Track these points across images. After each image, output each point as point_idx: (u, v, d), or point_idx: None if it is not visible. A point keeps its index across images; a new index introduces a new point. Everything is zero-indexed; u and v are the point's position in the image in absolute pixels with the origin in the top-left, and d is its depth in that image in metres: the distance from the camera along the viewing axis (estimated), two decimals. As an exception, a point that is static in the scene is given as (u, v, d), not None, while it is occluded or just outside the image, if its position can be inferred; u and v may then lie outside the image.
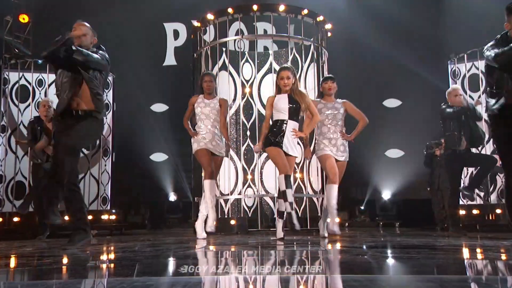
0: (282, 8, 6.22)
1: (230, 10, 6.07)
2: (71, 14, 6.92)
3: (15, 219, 6.26)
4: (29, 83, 6.69)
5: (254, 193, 6.30)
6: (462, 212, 5.90)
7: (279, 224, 3.96)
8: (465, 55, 6.42)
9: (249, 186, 6.38)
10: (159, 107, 8.23)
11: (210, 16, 6.06)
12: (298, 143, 4.33)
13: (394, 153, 8.38)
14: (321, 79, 4.78)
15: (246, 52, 6.76)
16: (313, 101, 4.53)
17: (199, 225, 4.45)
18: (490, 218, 6.01)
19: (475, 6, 6.70)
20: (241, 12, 6.43)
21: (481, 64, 6.30)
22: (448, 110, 4.89)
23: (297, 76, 4.37)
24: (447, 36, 7.22)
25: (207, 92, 4.54)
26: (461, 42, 6.71)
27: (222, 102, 4.64)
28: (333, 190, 4.24)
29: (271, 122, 4.14)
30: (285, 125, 3.95)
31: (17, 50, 6.64)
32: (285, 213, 3.90)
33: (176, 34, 8.17)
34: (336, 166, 4.29)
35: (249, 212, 6.37)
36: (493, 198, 6.04)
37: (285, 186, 3.77)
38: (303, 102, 3.98)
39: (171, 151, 7.88)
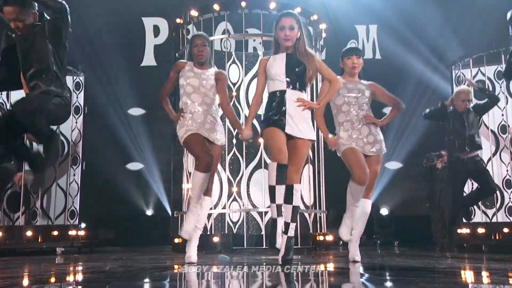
0: (273, 5, 6.30)
1: (216, 6, 6.17)
2: (40, 6, 7.09)
3: None
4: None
5: (240, 208, 6.37)
6: (466, 231, 6.05)
7: (281, 239, 3.05)
8: (471, 59, 6.57)
9: (234, 199, 6.46)
10: (135, 111, 8.26)
11: (194, 13, 6.17)
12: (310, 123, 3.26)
13: (392, 165, 8.40)
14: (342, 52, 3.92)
15: (233, 53, 6.87)
16: None
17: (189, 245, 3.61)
18: (497, 237, 6.17)
19: (481, 8, 6.99)
20: (228, 9, 6.49)
21: (487, 70, 6.56)
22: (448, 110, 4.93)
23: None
24: (451, 39, 7.51)
25: (198, 60, 3.69)
26: (466, 46, 6.93)
27: (221, 76, 3.79)
28: (358, 191, 3.51)
29: (266, 96, 3.29)
30: (283, 97, 3.06)
31: None
32: (270, 220, 3.17)
33: (156, 30, 8.26)
34: (363, 161, 3.52)
35: (234, 228, 6.39)
36: (500, 215, 6.23)
37: (275, 179, 2.95)
38: (310, 63, 3.09)
39: (148, 159, 7.87)
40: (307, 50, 3.10)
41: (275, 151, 2.99)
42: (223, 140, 3.72)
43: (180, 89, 3.68)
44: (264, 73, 3.14)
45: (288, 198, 2.96)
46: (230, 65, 6.98)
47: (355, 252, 3.54)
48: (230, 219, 6.42)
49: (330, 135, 3.54)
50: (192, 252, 3.56)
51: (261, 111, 3.31)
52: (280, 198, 2.95)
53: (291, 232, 2.97)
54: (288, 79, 3.04)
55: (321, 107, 3.22)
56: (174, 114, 3.69)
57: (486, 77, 6.60)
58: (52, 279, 2.57)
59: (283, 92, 3.03)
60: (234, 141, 6.83)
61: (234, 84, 6.95)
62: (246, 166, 6.53)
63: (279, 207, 2.98)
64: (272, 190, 2.96)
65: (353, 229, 3.61)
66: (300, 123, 3.02)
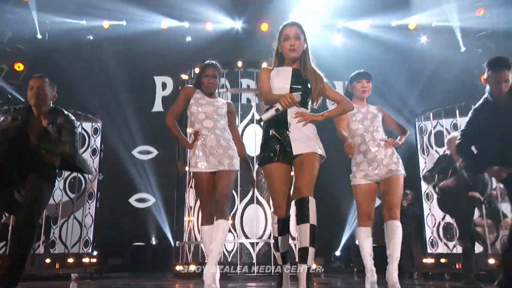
0: (264, 65, 6.73)
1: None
2: (65, 63, 7.47)
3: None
4: (86, 131, 7.13)
5: (234, 238, 6.41)
6: (431, 260, 6.22)
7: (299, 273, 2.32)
8: (431, 113, 6.81)
9: (229, 231, 6.30)
10: (145, 152, 8.31)
11: (197, 70, 6.57)
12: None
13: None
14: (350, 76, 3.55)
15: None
16: None
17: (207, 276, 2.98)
18: (457, 267, 6.33)
19: (443, 70, 7.23)
20: (227, 68, 6.74)
21: (445, 122, 6.78)
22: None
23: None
24: (415, 94, 7.84)
25: (207, 90, 3.30)
26: (428, 101, 7.16)
27: (231, 108, 3.41)
28: (362, 235, 3.18)
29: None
30: (285, 117, 2.49)
31: (10, 96, 6.90)
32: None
33: (164, 85, 8.47)
34: (366, 203, 3.19)
35: (229, 256, 6.43)
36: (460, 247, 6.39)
37: (278, 232, 2.54)
38: (316, 84, 2.58)
39: (154, 195, 7.93)
40: (315, 69, 2.62)
41: (274, 205, 2.57)
42: (237, 165, 3.22)
43: (191, 116, 3.29)
44: (268, 80, 2.59)
45: (302, 216, 2.29)
46: None
47: (393, 280, 2.97)
48: (226, 249, 6.46)
49: (350, 140, 3.04)
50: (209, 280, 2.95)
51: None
52: (284, 247, 2.59)
53: (311, 261, 2.24)
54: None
55: (322, 118, 2.56)
56: (186, 140, 3.37)
57: (444, 128, 6.76)
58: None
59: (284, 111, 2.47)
60: None
61: None
62: (240, 202, 6.62)
63: (283, 255, 2.61)
64: (276, 241, 2.59)
65: (388, 255, 3.12)
66: (304, 138, 2.47)
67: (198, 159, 3.10)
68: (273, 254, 6.82)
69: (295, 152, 2.44)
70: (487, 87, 3.29)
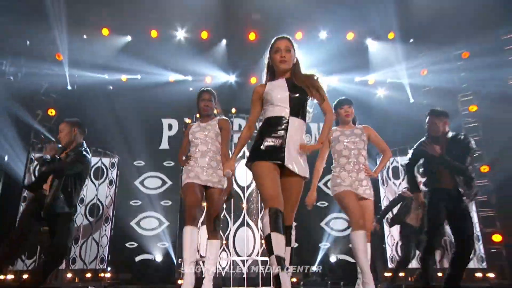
0: (255, 80, 7.37)
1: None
2: (89, 109, 7.76)
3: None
4: (105, 166, 7.61)
5: (227, 256, 6.83)
6: (390, 274, 6.45)
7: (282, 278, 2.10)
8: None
9: (223, 250, 6.89)
10: (153, 182, 8.35)
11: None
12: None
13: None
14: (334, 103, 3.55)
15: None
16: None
17: None
18: (411, 279, 6.61)
19: (396, 117, 7.45)
20: (223, 114, 7.44)
21: (400, 159, 7.37)
22: None
23: None
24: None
25: (203, 113, 3.42)
26: (386, 142, 7.50)
27: (224, 125, 3.39)
28: (360, 239, 3.00)
29: (257, 125, 2.60)
30: (285, 124, 2.38)
31: (43, 136, 7.20)
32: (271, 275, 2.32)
33: (170, 127, 8.66)
34: (358, 206, 3.15)
35: (223, 271, 6.73)
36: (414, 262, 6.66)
37: (270, 227, 2.14)
38: (310, 84, 2.47)
39: (161, 220, 7.97)
40: (305, 74, 2.53)
41: (267, 194, 2.24)
42: (223, 183, 3.27)
43: (191, 145, 3.39)
44: (259, 101, 2.54)
45: (287, 240, 2.25)
46: None
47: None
48: (220, 265, 6.76)
49: (315, 193, 3.15)
50: None
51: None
52: (277, 247, 2.11)
53: (275, 269, 2.09)
54: (291, 105, 2.41)
55: (321, 144, 2.43)
56: (183, 161, 3.39)
57: (399, 164, 7.39)
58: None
59: (285, 119, 2.38)
60: (224, 205, 6.91)
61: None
62: (233, 224, 7.06)
63: (278, 259, 2.11)
64: (268, 240, 2.15)
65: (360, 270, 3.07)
66: (298, 157, 2.35)
67: (191, 173, 3.20)
68: (260, 270, 6.77)
69: (288, 165, 2.29)
70: (428, 129, 3.96)
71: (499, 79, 6.99)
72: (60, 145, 3.87)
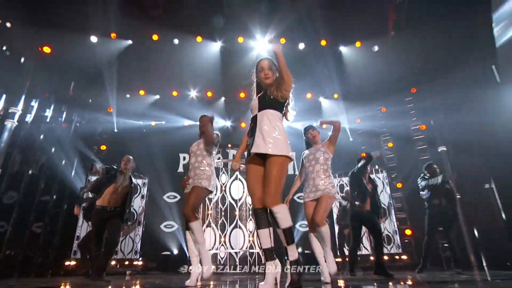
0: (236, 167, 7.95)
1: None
2: (129, 145, 8.47)
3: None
4: (139, 185, 7.98)
5: (225, 249, 7.51)
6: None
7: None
8: (337, 174, 8.11)
9: (222, 245, 7.61)
10: (172, 197, 8.76)
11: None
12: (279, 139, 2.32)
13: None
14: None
15: (223, 168, 8.33)
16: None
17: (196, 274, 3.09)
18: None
19: (340, 150, 7.56)
20: (221, 148, 8.16)
21: (344, 179, 8.14)
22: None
23: None
24: None
25: (200, 132, 3.57)
26: (337, 166, 7.51)
27: (200, 128, 3.54)
28: (311, 239, 3.30)
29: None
30: (254, 119, 2.33)
31: (95, 163, 7.64)
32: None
33: (184, 158, 9.10)
34: (309, 213, 3.26)
35: (222, 260, 7.38)
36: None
37: (256, 226, 2.13)
38: (275, 82, 2.38)
39: (178, 223, 8.37)
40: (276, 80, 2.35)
41: (251, 197, 2.24)
42: (199, 183, 3.30)
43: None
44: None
45: (276, 223, 2.11)
46: (222, 174, 8.09)
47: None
48: (219, 255, 7.45)
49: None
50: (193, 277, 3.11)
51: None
52: (264, 242, 2.08)
53: (293, 255, 2.07)
54: (259, 105, 2.36)
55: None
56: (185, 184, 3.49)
57: (344, 182, 8.19)
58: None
59: (255, 117, 2.34)
60: (223, 213, 7.88)
61: (223, 184, 8.07)
62: (229, 227, 7.75)
63: (266, 252, 2.12)
64: (258, 237, 2.11)
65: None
66: (269, 138, 2.18)
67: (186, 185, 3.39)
68: (248, 259, 7.62)
69: (253, 150, 2.16)
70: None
71: (404, 125, 8.43)
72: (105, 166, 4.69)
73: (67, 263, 7.22)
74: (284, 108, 2.39)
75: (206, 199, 7.05)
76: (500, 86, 6.70)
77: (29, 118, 7.45)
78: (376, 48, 8.14)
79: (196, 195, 3.19)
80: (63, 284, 3.82)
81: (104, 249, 4.14)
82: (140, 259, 7.71)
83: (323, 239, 3.19)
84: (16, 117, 7.31)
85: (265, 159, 2.23)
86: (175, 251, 8.24)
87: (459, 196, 7.55)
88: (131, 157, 4.80)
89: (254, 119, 2.33)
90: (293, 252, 2.08)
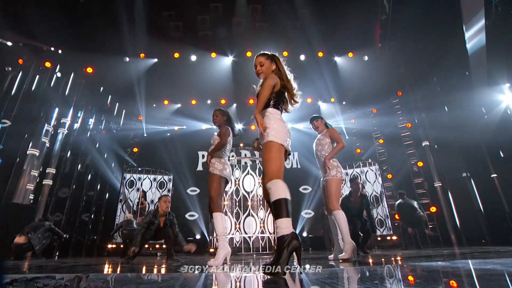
0: (255, 146, 8.87)
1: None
2: (156, 147, 9.35)
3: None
4: (165, 181, 8.78)
5: (240, 234, 7.88)
6: None
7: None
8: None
9: (237, 230, 7.94)
10: (193, 190, 9.51)
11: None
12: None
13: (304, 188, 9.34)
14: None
15: (237, 164, 8.52)
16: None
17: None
18: None
19: None
20: (234, 147, 8.73)
21: None
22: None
23: None
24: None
25: (215, 125, 3.52)
26: None
27: (219, 133, 3.44)
28: (329, 222, 3.36)
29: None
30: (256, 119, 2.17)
31: (129, 163, 9.02)
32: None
33: (203, 156, 9.96)
34: (324, 197, 3.36)
35: (237, 243, 7.71)
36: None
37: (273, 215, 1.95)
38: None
39: (199, 213, 9.06)
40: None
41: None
42: (212, 171, 3.32)
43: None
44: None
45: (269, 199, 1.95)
46: (236, 169, 8.33)
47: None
48: (235, 240, 7.77)
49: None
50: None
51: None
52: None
53: (279, 232, 1.79)
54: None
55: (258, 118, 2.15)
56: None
57: None
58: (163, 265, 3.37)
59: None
60: (237, 203, 8.32)
61: (237, 179, 8.27)
62: (243, 215, 8.08)
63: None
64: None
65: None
66: (263, 134, 2.14)
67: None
68: (260, 243, 7.99)
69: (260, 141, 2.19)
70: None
71: (393, 124, 9.18)
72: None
73: (109, 246, 8.40)
74: (282, 100, 2.26)
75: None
76: (473, 89, 7.58)
77: (76, 126, 8.74)
78: (366, 57, 9.11)
79: (215, 184, 3.24)
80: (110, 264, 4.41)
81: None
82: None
83: (337, 223, 3.14)
84: (66, 126, 8.64)
85: None
86: (198, 236, 9.17)
87: (440, 184, 8.53)
88: (169, 197, 4.75)
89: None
90: (280, 229, 1.79)
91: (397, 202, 6.51)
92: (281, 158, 2.06)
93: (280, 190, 1.89)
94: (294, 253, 1.76)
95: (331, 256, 3.33)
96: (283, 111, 2.30)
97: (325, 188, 3.34)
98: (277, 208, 1.85)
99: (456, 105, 7.69)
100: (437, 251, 4.73)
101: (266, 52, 2.42)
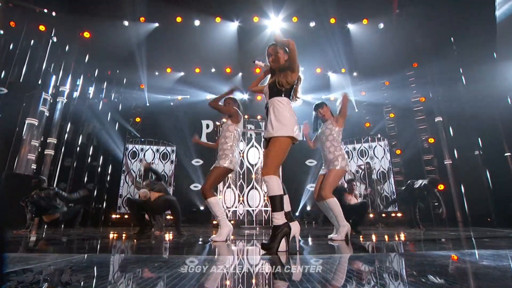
0: (259, 117, 8.71)
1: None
2: (159, 117, 9.21)
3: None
4: (168, 151, 8.76)
5: (243, 207, 7.94)
6: None
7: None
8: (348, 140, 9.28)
9: (241, 203, 7.99)
10: (197, 161, 9.58)
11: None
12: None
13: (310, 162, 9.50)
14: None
15: (241, 136, 8.83)
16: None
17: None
18: None
19: (348, 119, 8.68)
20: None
21: (350, 146, 8.81)
22: None
23: None
24: None
25: (226, 114, 3.49)
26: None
27: (230, 120, 3.45)
28: (320, 206, 3.32)
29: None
30: (267, 106, 2.36)
31: (132, 134, 8.85)
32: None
33: (207, 126, 9.93)
34: (317, 185, 3.38)
35: (241, 216, 7.81)
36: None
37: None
38: (278, 70, 2.36)
39: (201, 183, 7.87)
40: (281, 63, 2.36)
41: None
42: (218, 163, 3.33)
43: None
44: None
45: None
46: (240, 141, 8.91)
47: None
48: (238, 212, 7.88)
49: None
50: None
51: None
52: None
53: (276, 222, 2.12)
54: (270, 92, 2.37)
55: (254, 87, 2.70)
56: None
57: (349, 149, 8.73)
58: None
59: (267, 103, 2.38)
60: (241, 176, 8.25)
61: (241, 151, 8.39)
62: (247, 187, 8.09)
63: (285, 213, 2.24)
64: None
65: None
66: (272, 123, 2.24)
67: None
68: (263, 216, 8.04)
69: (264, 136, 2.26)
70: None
71: (405, 97, 8.85)
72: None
73: (113, 216, 8.48)
74: (292, 92, 2.37)
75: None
76: (497, 62, 7.03)
77: (75, 95, 8.47)
78: (381, 25, 8.51)
79: (216, 174, 3.26)
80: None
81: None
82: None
83: (332, 211, 3.19)
84: (65, 94, 8.33)
85: None
86: (201, 208, 9.21)
87: (450, 161, 8.25)
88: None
89: (267, 105, 2.40)
90: (276, 219, 2.15)
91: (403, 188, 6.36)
92: (284, 153, 2.25)
93: (275, 187, 2.16)
94: (284, 238, 2.16)
95: (330, 236, 3.39)
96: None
97: (325, 176, 3.33)
98: (272, 203, 2.18)
99: (476, 79, 7.21)
100: (442, 232, 4.63)
101: (279, 43, 2.38)
